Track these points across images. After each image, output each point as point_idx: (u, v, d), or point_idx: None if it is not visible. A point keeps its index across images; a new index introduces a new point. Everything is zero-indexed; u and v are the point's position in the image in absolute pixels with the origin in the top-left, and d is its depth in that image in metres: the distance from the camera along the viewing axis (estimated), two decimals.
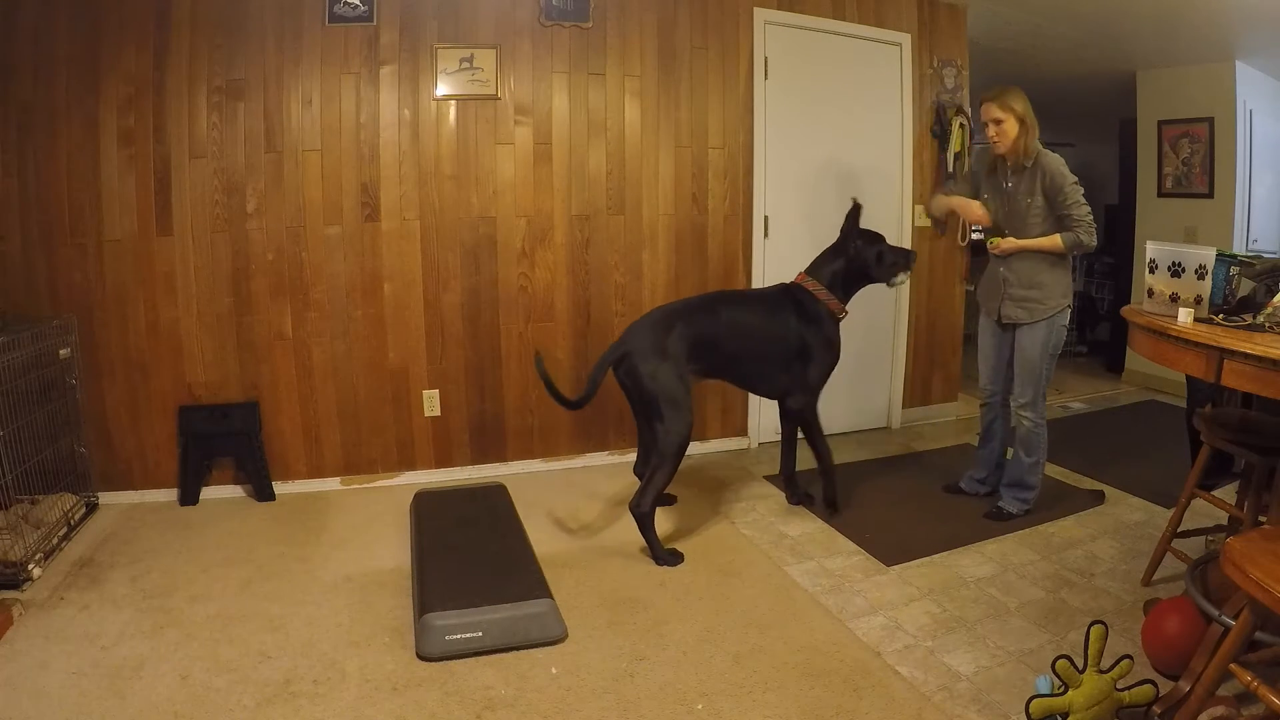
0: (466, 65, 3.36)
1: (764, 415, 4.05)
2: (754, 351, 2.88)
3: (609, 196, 3.63)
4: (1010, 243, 2.85)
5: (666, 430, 2.63)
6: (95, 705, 1.87)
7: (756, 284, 3.93)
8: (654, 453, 2.66)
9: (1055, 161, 2.76)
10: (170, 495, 3.23)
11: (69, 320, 3.03)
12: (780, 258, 3.96)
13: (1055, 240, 2.77)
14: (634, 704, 1.91)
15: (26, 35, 2.95)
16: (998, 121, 2.78)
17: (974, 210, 2.96)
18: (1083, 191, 2.76)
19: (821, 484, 3.12)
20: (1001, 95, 2.77)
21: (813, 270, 3.02)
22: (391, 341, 3.42)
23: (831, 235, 4.05)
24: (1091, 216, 2.74)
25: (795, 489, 3.24)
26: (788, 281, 3.06)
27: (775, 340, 2.89)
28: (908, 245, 4.23)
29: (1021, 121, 2.76)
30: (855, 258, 2.99)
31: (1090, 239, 2.73)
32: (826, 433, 4.19)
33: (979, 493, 3.27)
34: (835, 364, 3.01)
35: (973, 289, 5.56)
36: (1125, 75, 5.24)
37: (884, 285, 3.10)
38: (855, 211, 2.98)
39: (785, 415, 3.14)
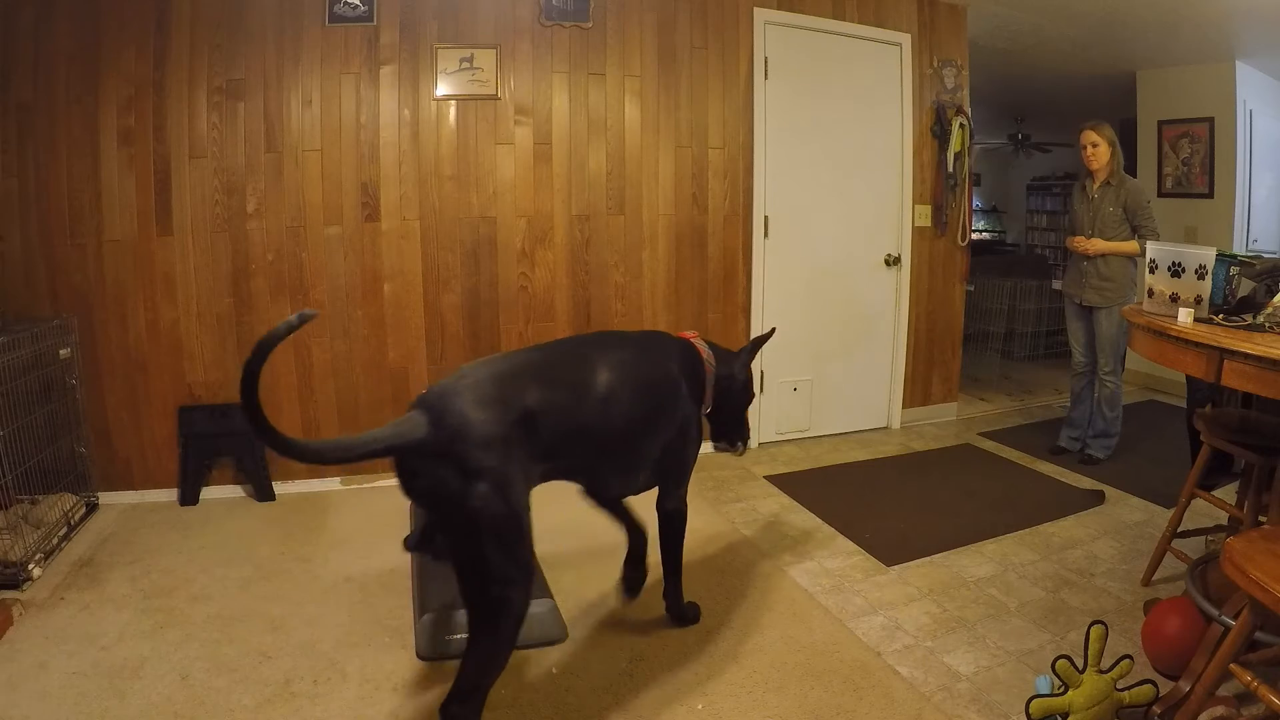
0: (466, 65, 3.36)
1: (764, 415, 4.05)
2: (630, 443, 1.90)
3: (609, 196, 3.63)
4: (1100, 244, 3.54)
5: (502, 593, 1.52)
6: (95, 705, 1.87)
7: (757, 286, 3.93)
8: (474, 627, 1.55)
9: (1137, 184, 3.58)
10: (170, 495, 3.23)
11: (69, 320, 3.03)
12: (780, 258, 3.97)
13: (1133, 245, 3.48)
14: (634, 704, 1.91)
15: (26, 35, 2.94)
16: (1095, 144, 3.51)
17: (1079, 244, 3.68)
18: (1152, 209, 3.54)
19: (674, 607, 2.27)
20: (1099, 125, 3.52)
21: (713, 348, 2.26)
22: (391, 341, 3.42)
23: (831, 235, 4.10)
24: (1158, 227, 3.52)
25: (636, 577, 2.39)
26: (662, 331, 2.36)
27: (661, 426, 1.98)
28: (908, 245, 4.25)
29: (1112, 146, 3.51)
30: (736, 385, 2.27)
31: None
32: (825, 433, 4.26)
33: (1075, 448, 3.88)
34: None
35: (972, 289, 5.58)
36: (1125, 75, 5.24)
37: (721, 437, 2.39)
38: (767, 337, 2.39)
39: (613, 505, 2.29)
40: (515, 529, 1.55)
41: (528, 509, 1.60)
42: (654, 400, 1.95)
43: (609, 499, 2.25)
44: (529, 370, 1.72)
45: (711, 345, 2.26)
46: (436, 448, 1.48)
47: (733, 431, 2.35)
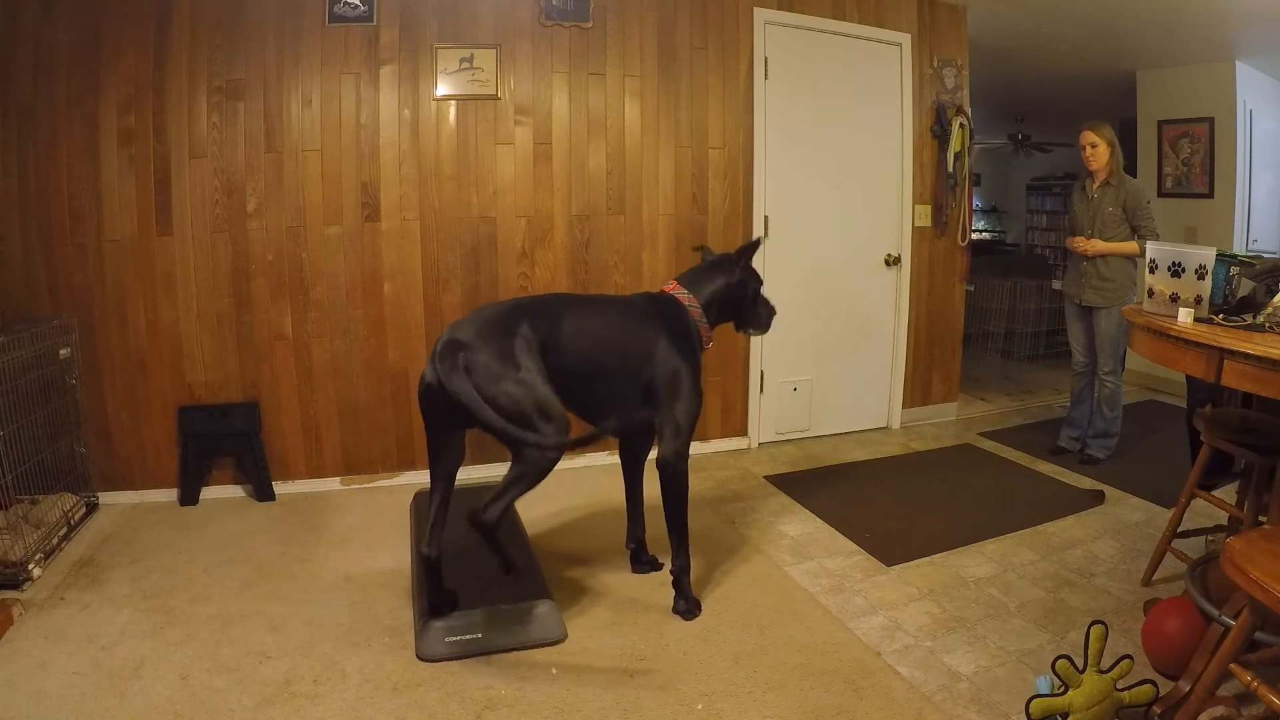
0: (466, 65, 3.36)
1: (764, 415, 4.05)
2: (608, 371, 2.22)
3: (609, 196, 3.63)
4: (1100, 245, 3.54)
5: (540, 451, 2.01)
6: (95, 705, 1.87)
7: None
8: (517, 466, 2.06)
9: (1137, 185, 3.58)
10: (170, 495, 3.23)
11: (69, 320, 3.03)
12: (780, 257, 3.97)
13: (1133, 246, 3.48)
14: (634, 704, 1.91)
15: (26, 35, 2.94)
16: (1094, 145, 3.50)
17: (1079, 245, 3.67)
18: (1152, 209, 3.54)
19: (674, 563, 2.35)
20: (1098, 125, 3.50)
21: (687, 283, 2.44)
22: (391, 341, 3.42)
23: (831, 235, 4.11)
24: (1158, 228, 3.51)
25: (644, 555, 2.64)
26: (652, 291, 2.52)
27: (636, 359, 2.25)
28: (908, 245, 4.25)
29: (1111, 146, 3.50)
30: (736, 285, 2.47)
31: None
32: (825, 433, 4.26)
33: (1075, 448, 3.88)
34: (700, 409, 2.36)
35: (972, 289, 5.59)
36: (1125, 75, 5.24)
37: (743, 329, 2.62)
38: (755, 244, 2.53)
39: (632, 463, 2.60)
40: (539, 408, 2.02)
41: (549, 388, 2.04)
42: (624, 345, 2.24)
43: (629, 460, 2.58)
44: (523, 304, 2.18)
45: (691, 280, 2.46)
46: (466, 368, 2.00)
47: (752, 322, 2.57)
